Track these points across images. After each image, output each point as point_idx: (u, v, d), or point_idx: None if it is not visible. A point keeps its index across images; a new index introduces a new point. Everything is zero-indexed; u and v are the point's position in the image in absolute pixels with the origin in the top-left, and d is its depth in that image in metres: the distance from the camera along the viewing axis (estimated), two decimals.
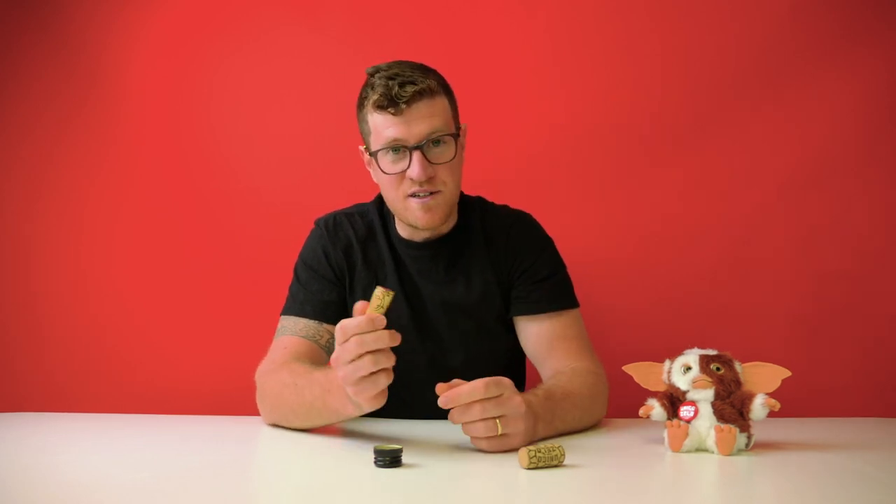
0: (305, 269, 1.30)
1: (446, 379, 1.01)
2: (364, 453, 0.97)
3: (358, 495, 0.83)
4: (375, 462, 0.92)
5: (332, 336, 1.10)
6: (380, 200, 1.32)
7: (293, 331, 1.24)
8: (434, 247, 1.25)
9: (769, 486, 0.90)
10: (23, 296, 1.74)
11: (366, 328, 0.89)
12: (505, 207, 1.39)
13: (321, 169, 1.75)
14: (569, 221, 1.70)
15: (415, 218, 1.18)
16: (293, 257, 1.40)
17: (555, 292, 1.27)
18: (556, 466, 0.92)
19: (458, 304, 1.25)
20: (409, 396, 1.20)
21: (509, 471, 0.91)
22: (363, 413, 0.98)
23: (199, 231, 1.75)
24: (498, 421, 0.96)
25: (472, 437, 0.99)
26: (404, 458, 0.93)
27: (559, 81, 1.74)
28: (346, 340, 0.90)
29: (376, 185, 1.55)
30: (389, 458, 0.91)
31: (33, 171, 1.75)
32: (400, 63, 1.16)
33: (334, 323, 1.02)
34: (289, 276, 1.36)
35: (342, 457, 1.02)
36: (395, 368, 0.95)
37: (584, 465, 0.94)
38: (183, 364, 1.73)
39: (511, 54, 1.75)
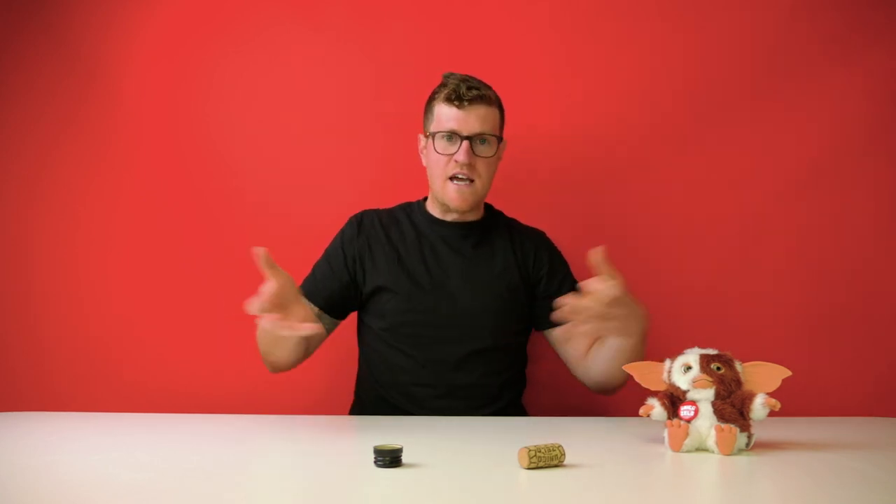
0: (326, 261, 1.50)
1: (456, 333, 1.40)
2: (364, 453, 0.97)
3: (358, 495, 0.83)
4: (375, 462, 0.92)
5: (319, 311, 1.44)
6: (408, 204, 1.55)
7: None
8: (466, 228, 1.48)
9: (769, 486, 0.90)
10: (21, 295, 1.74)
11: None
12: None
13: (320, 168, 1.75)
14: (569, 222, 1.70)
15: (450, 198, 1.41)
16: (291, 256, 1.45)
17: None
18: (556, 466, 0.92)
19: (479, 275, 1.46)
20: (418, 350, 1.42)
21: (509, 471, 0.91)
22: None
23: (197, 229, 1.75)
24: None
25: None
26: (404, 458, 0.93)
27: (559, 81, 1.74)
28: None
29: (374, 185, 1.59)
30: (389, 458, 0.91)
31: (31, 170, 1.75)
32: (470, 76, 1.42)
33: (328, 312, 1.46)
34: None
35: (342, 457, 1.02)
36: (410, 322, 1.40)
37: (584, 465, 0.94)
38: (182, 363, 1.72)
39: (512, 52, 1.74)
